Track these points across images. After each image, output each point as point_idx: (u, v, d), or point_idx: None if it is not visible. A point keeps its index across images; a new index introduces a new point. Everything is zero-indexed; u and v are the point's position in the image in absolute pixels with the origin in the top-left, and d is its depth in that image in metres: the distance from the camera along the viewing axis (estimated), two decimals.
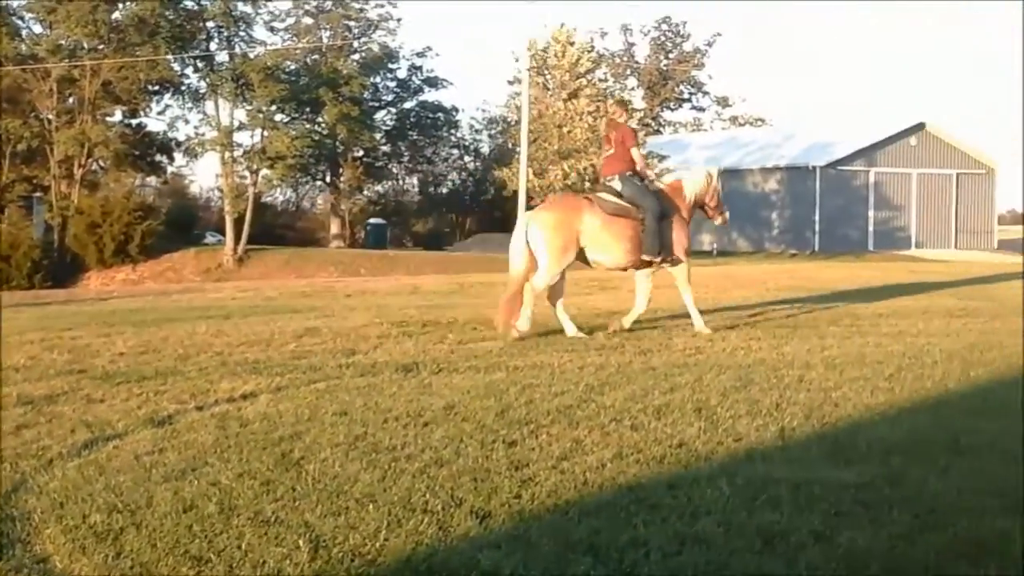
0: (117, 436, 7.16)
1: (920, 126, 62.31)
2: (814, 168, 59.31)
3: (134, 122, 57.03)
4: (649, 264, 13.05)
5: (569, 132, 49.72)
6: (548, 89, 52.52)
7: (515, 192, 49.85)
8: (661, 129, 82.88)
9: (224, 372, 9.78)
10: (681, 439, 6.75)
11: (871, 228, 60.25)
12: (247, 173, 52.52)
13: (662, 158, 54.59)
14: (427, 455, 6.45)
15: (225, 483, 5.91)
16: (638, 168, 13.33)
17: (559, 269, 12.85)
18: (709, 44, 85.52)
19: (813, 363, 9.77)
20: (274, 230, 60.04)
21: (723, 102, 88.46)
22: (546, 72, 52.74)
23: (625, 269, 13.39)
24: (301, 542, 4.90)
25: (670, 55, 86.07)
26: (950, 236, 61.91)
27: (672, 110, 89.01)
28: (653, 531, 4.97)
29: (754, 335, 11.94)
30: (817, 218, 58.96)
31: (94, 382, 9.31)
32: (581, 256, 12.97)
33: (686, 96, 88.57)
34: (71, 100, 52.25)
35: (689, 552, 4.71)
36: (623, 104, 14.27)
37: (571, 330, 12.45)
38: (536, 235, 12.77)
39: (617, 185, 13.05)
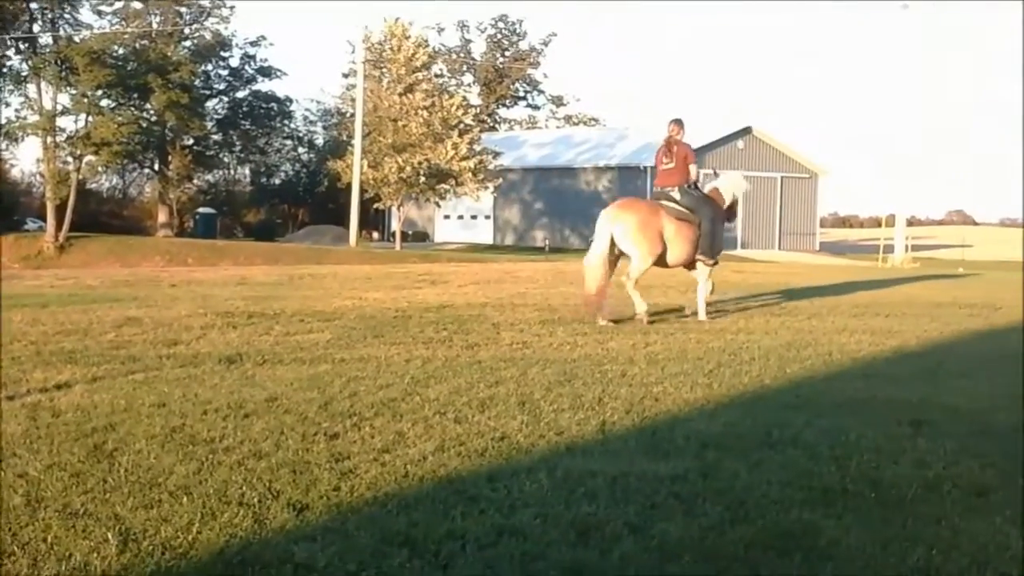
0: None
1: (747, 130, 63.99)
2: (645, 168, 60.31)
3: None
4: (696, 263, 14.65)
5: (404, 126, 49.58)
6: (383, 83, 52.29)
7: (349, 184, 49.53)
8: (497, 126, 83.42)
9: (38, 362, 9.46)
10: (504, 432, 6.78)
11: None
12: (70, 159, 50.90)
13: (496, 155, 54.88)
14: (246, 447, 6.35)
15: (33, 475, 5.71)
16: (691, 179, 15.13)
17: (651, 263, 14.19)
18: (545, 43, 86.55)
19: (636, 359, 9.93)
20: (99, 217, 58.44)
21: (558, 101, 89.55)
22: (382, 66, 52.50)
23: (678, 267, 14.89)
24: (110, 535, 4.76)
25: (506, 53, 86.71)
26: (775, 237, 63.78)
27: (508, 107, 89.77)
28: (471, 523, 4.98)
29: (580, 331, 12.07)
30: None
31: None
32: None
33: (522, 94, 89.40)
34: None
35: (505, 544, 4.73)
36: (680, 123, 15.65)
37: (641, 307, 13.73)
38: (626, 234, 14.14)
39: (676, 195, 14.78)
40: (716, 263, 14.96)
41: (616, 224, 14.30)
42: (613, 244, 14.09)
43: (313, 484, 5.59)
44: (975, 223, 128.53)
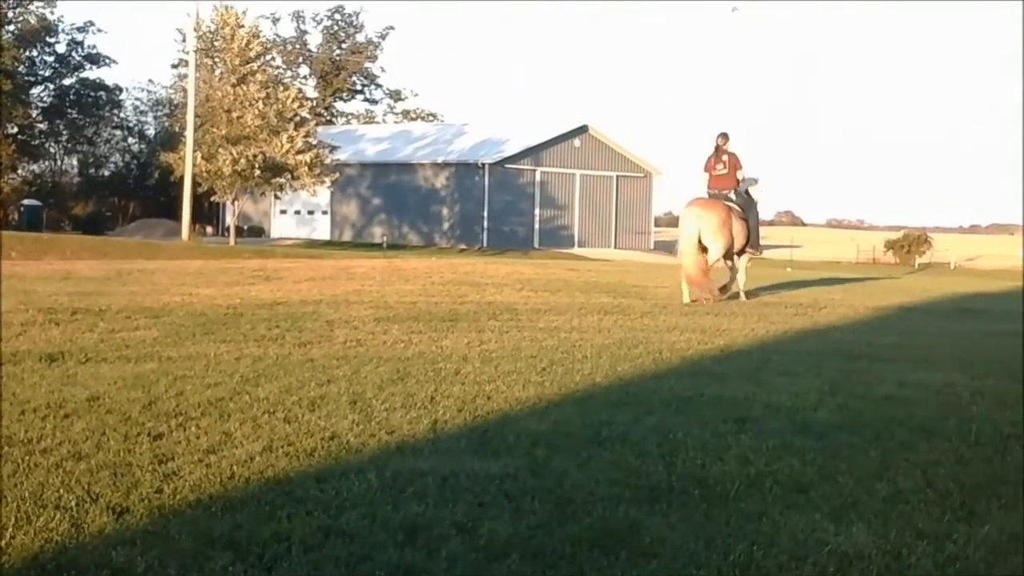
0: None
1: (583, 128, 64.84)
2: (483, 165, 60.63)
3: None
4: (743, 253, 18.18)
5: (239, 117, 48.77)
6: (216, 73, 51.34)
7: (182, 177, 48.50)
8: (334, 120, 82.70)
9: None
10: (334, 431, 6.71)
11: (537, 226, 62.23)
12: None
13: (333, 149, 54.42)
14: (65, 448, 6.15)
15: None
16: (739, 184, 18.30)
17: (724, 251, 17.55)
18: (382, 36, 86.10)
19: (470, 357, 9.94)
20: None
21: (396, 95, 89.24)
22: (214, 55, 51.55)
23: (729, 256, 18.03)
24: None
25: (343, 45, 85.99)
26: (611, 236, 64.74)
27: (345, 101, 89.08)
28: (297, 525, 4.91)
29: (415, 328, 12.03)
30: (486, 214, 60.31)
31: None
32: None
33: (359, 88, 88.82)
34: None
35: (332, 545, 4.68)
36: (727, 136, 18.49)
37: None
38: (709, 229, 17.21)
39: (732, 196, 18.06)
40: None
41: (703, 221, 17.30)
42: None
43: (134, 486, 5.45)
44: (803, 224, 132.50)
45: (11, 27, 65.00)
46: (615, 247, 63.01)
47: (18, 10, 65.73)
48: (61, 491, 5.33)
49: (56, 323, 11.69)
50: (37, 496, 5.24)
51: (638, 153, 67.56)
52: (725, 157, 18.16)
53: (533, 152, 62.38)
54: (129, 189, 76.58)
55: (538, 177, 62.57)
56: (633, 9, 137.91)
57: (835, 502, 5.50)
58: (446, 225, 63.00)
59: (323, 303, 14.71)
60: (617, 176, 65.63)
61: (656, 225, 71.70)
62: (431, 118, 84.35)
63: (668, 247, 65.65)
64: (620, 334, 11.96)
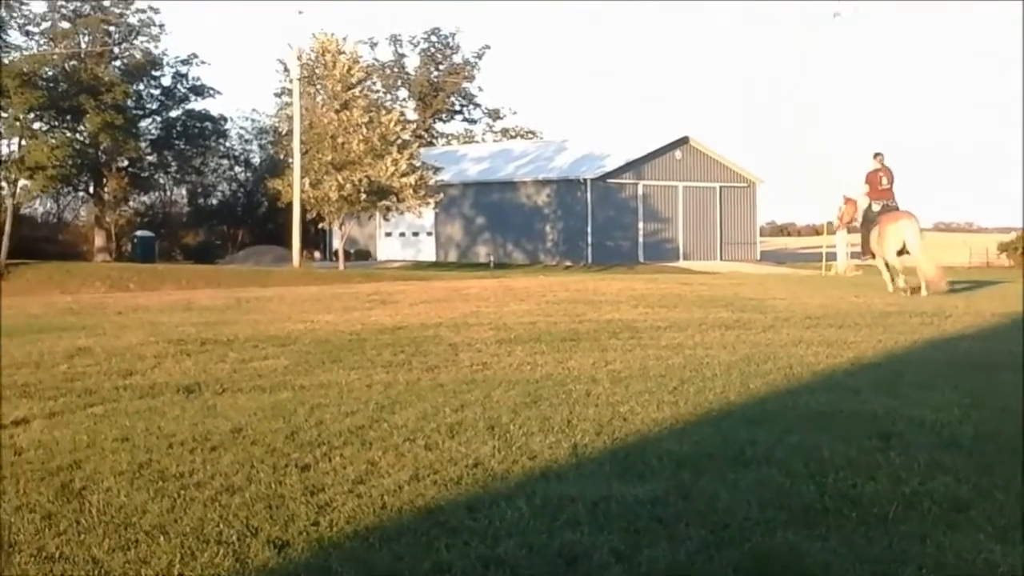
0: None
1: (684, 140, 64.41)
2: (585, 180, 60.57)
3: None
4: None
5: (344, 143, 49.37)
6: (318, 100, 52.03)
7: (289, 204, 49.23)
8: (434, 141, 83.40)
9: None
10: (476, 458, 6.74)
11: (641, 240, 61.93)
12: (4, 184, 50.13)
13: (436, 170, 54.85)
14: (217, 482, 6.26)
15: (3, 517, 5.59)
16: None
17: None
18: (479, 56, 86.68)
19: (599, 377, 9.91)
20: (34, 243, 57.43)
21: (494, 114, 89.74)
22: (316, 82, 52.28)
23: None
24: None
25: (440, 66, 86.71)
26: (715, 248, 64.20)
27: (444, 122, 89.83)
28: (456, 555, 4.93)
29: (538, 349, 12.04)
30: (589, 230, 60.22)
31: None
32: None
33: (458, 108, 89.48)
34: None
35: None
36: (882, 154, 22.54)
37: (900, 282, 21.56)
38: (915, 233, 21.41)
39: (895, 205, 22.14)
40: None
41: (909, 228, 21.35)
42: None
43: (291, 519, 5.52)
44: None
45: (117, 63, 66.59)
46: (721, 259, 62.47)
47: (124, 45, 67.33)
48: (221, 526, 5.42)
49: (187, 354, 11.92)
50: (198, 531, 5.34)
51: (740, 163, 66.95)
52: (887, 174, 22.27)
53: (634, 166, 62.16)
54: (237, 217, 77.90)
55: (640, 191, 62.33)
56: (730, 18, 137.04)
57: (998, 522, 5.37)
58: (550, 242, 63.05)
59: (443, 326, 14.79)
60: (720, 187, 65.08)
61: (760, 235, 71.00)
62: (530, 135, 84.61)
63: (775, 257, 65.01)
64: (746, 350, 11.83)
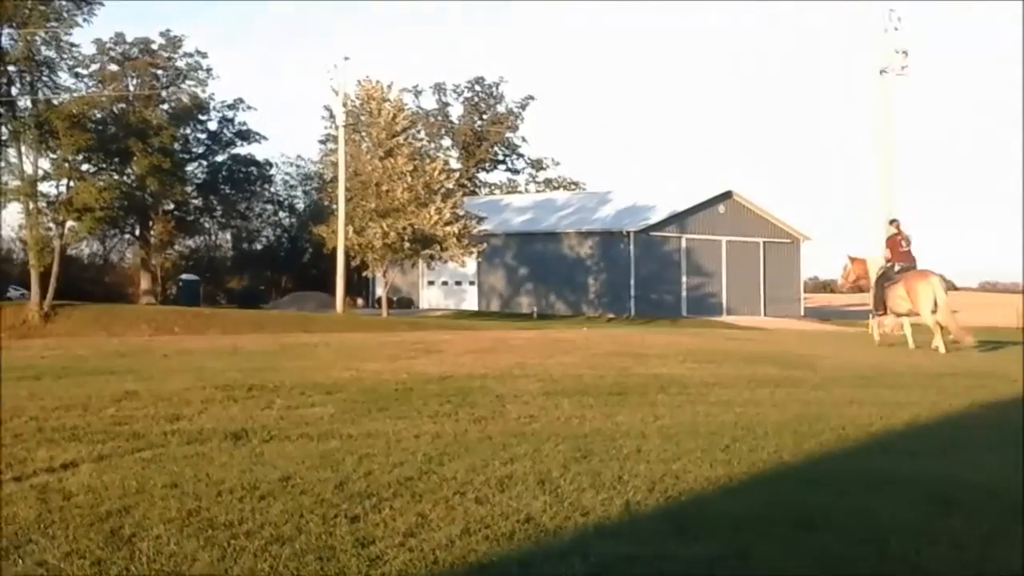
0: None
1: (728, 194, 64.32)
2: (628, 233, 60.50)
3: None
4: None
5: (388, 191, 49.59)
6: (363, 147, 52.32)
7: (333, 250, 49.44)
8: (477, 190, 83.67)
9: (41, 439, 9.26)
10: (528, 513, 6.63)
11: (684, 293, 61.70)
12: (52, 225, 50.63)
13: (480, 219, 55.00)
14: (267, 531, 6.19)
15: (52, 563, 5.55)
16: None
17: None
18: (522, 106, 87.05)
19: (648, 433, 9.79)
20: (81, 284, 58.08)
21: (537, 165, 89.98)
22: (361, 129, 52.60)
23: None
24: None
25: (484, 116, 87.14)
26: (759, 303, 63.87)
27: (487, 171, 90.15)
28: None
29: (585, 402, 11.93)
30: (632, 283, 60.06)
31: None
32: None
33: (501, 158, 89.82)
34: None
35: None
36: (897, 221, 25.01)
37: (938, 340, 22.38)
38: (942, 292, 22.90)
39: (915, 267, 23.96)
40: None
41: (938, 286, 22.94)
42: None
43: (342, 572, 5.45)
44: (955, 288, 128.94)
45: (165, 106, 67.36)
46: (765, 314, 62.13)
47: (171, 89, 68.18)
48: None
49: (234, 400, 11.90)
50: None
51: (784, 218, 66.74)
52: (899, 237, 24.19)
53: (678, 219, 62.10)
54: (281, 262, 78.38)
55: (684, 244, 62.21)
56: (774, 75, 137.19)
57: None
58: (592, 294, 62.95)
59: (489, 376, 14.72)
60: (764, 242, 64.87)
61: (804, 291, 70.62)
62: (573, 186, 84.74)
63: (819, 314, 64.55)
64: (797, 408, 11.66)
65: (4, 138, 51.40)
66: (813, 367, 16.88)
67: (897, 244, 24.22)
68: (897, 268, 24.03)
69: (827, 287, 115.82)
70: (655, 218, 61.43)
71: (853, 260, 25.88)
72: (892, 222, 25.25)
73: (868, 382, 14.62)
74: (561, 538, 6.14)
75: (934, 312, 22.75)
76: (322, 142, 68.05)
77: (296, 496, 7.06)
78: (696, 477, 7.79)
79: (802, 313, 64.50)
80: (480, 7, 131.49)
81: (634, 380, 14.56)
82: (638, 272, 60.33)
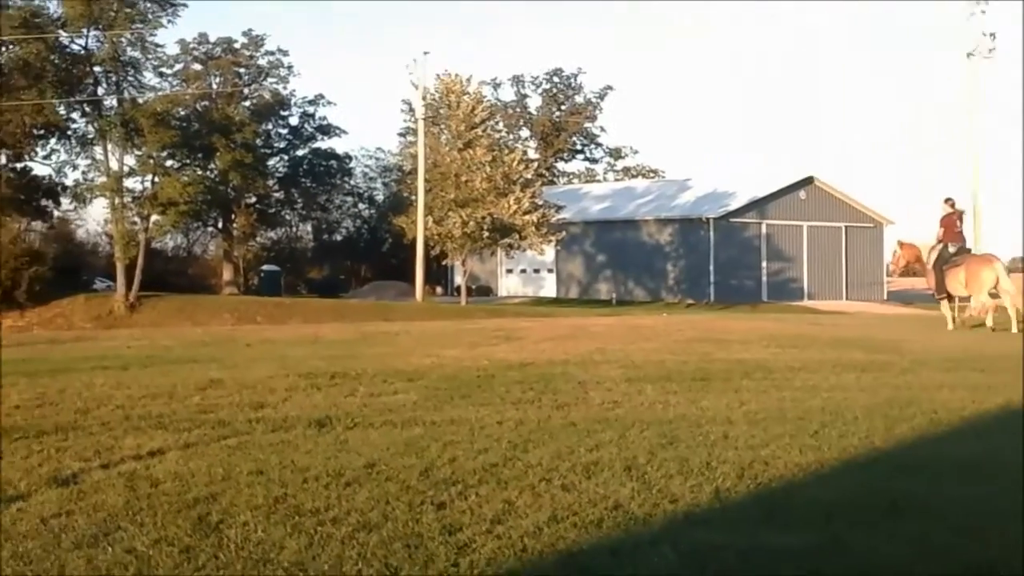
0: (20, 497, 6.75)
1: (809, 180, 63.54)
2: (708, 219, 60.03)
3: (18, 166, 55.70)
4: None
5: (467, 181, 49.73)
6: (442, 139, 52.49)
7: (414, 240, 49.69)
8: (555, 180, 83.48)
9: (128, 427, 9.35)
10: (616, 500, 6.54)
11: (764, 278, 61.11)
12: (137, 219, 51.44)
13: (559, 208, 54.91)
14: (353, 518, 6.16)
15: (141, 550, 5.56)
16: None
17: None
18: (600, 96, 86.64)
19: (735, 419, 9.64)
20: (165, 276, 58.94)
21: (616, 154, 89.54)
22: (441, 122, 52.75)
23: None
24: None
25: (562, 107, 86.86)
26: (841, 287, 63.06)
27: (566, 161, 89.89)
28: None
29: (670, 388, 11.78)
30: (712, 268, 59.61)
31: None
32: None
33: (579, 147, 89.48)
34: None
35: None
36: (952, 199, 24.52)
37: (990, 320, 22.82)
38: (1005, 274, 23.30)
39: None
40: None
41: (1002, 269, 23.38)
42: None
43: (431, 559, 5.39)
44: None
45: (247, 103, 68.11)
46: (847, 299, 61.31)
47: (253, 87, 68.92)
48: (359, 564, 5.32)
49: (317, 387, 11.94)
50: (336, 570, 5.25)
51: (867, 203, 65.77)
52: (955, 216, 24.13)
53: (758, 205, 61.48)
54: (360, 252, 78.90)
55: (764, 230, 61.58)
56: (857, 57, 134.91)
57: None
58: (671, 280, 62.57)
59: (570, 363, 14.63)
60: (846, 227, 64.01)
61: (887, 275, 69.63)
62: (652, 175, 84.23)
63: (901, 297, 63.52)
64: (886, 393, 11.42)
65: (91, 136, 52.36)
66: (899, 351, 16.56)
67: (952, 223, 24.12)
68: (952, 249, 24.05)
69: (911, 271, 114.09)
70: (735, 204, 60.88)
71: (903, 245, 25.90)
72: (947, 200, 24.48)
73: (956, 365, 14.31)
74: (651, 526, 6.04)
75: (995, 297, 23.14)
76: (401, 135, 68.29)
77: (381, 483, 7.03)
78: (786, 463, 7.64)
79: (885, 297, 63.53)
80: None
81: (717, 366, 14.38)
82: (717, 258, 59.85)
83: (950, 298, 24.28)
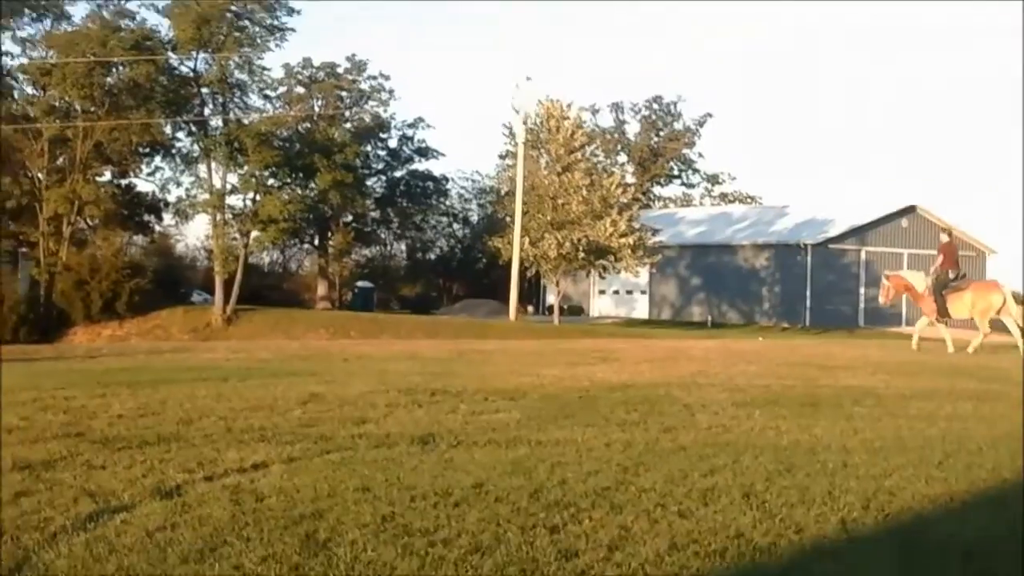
0: (124, 508, 6.64)
1: (911, 208, 62.47)
2: (806, 245, 59.25)
3: (123, 182, 56.77)
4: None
5: (564, 204, 49.65)
6: (541, 162, 52.50)
7: (510, 260, 49.63)
8: (651, 204, 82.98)
9: (230, 439, 9.24)
10: (737, 528, 6.24)
11: (862, 305, 60.09)
12: (238, 235, 52.09)
13: (655, 231, 54.55)
14: (464, 540, 5.93)
15: (249, 567, 5.39)
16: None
17: None
18: (700, 124, 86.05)
19: (851, 447, 9.26)
20: (260, 291, 59.59)
21: (713, 179, 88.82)
22: (539, 146, 52.76)
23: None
24: None
25: (660, 133, 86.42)
26: None
27: (662, 186, 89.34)
28: None
29: (779, 413, 11.42)
30: (808, 293, 58.76)
31: (93, 446, 8.78)
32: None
33: (676, 173, 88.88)
34: (62, 160, 51.88)
35: None
36: (951, 229, 27.75)
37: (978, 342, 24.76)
38: (1012, 299, 25.04)
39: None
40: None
41: (1009, 293, 25.19)
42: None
43: None
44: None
45: (348, 125, 68.75)
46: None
47: (354, 109, 69.54)
48: None
49: (419, 404, 11.77)
50: None
51: (970, 231, 64.35)
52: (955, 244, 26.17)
53: (858, 232, 60.53)
54: (453, 271, 79.11)
55: (863, 256, 60.56)
56: (960, 88, 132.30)
57: None
58: (766, 304, 61.76)
59: (672, 385, 14.31)
60: None
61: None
62: (750, 200, 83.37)
63: (998, 326, 61.90)
64: (1007, 424, 10.95)
65: (195, 155, 53.24)
66: (1013, 381, 15.98)
67: (953, 251, 25.81)
68: (952, 275, 25.49)
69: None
70: (834, 231, 60.01)
71: (890, 277, 27.30)
72: (945, 231, 27.48)
73: None
74: (777, 556, 5.74)
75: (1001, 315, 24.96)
76: (502, 157, 68.31)
77: (491, 504, 6.81)
78: (913, 495, 7.27)
79: (988, 329, 62.00)
80: (660, 25, 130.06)
81: (825, 391, 13.97)
82: (814, 283, 58.96)
83: (946, 320, 25.69)
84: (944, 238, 26.33)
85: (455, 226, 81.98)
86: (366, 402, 11.89)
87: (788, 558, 5.69)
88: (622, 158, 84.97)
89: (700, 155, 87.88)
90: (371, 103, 69.38)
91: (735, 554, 5.76)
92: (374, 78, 68.89)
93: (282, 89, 65.75)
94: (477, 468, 7.99)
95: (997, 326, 26.29)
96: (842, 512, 6.70)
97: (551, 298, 57.39)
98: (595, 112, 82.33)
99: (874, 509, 6.82)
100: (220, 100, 51.87)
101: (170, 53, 51.06)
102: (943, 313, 25.52)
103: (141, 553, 5.63)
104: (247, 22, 50.43)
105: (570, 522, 6.38)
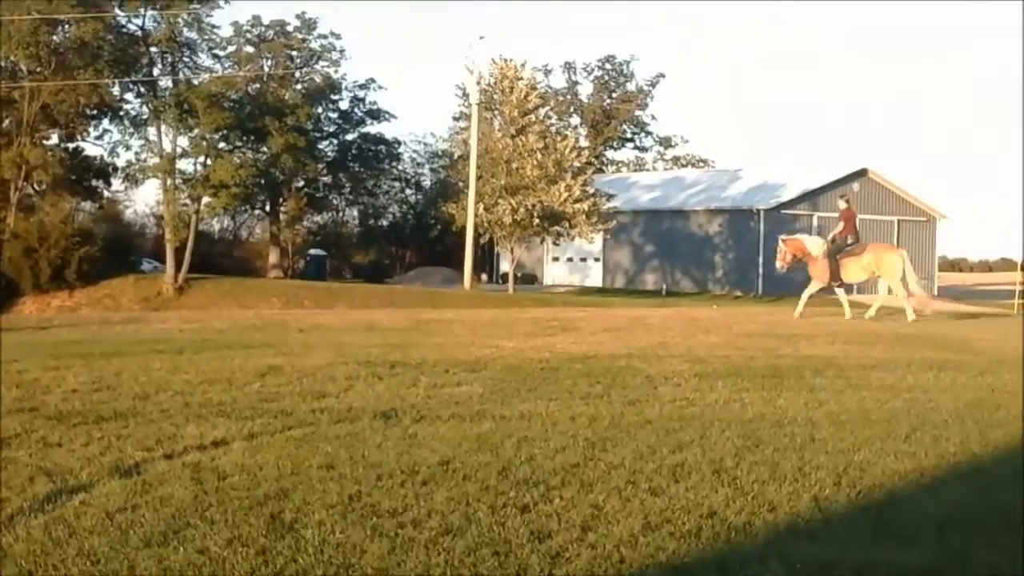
0: (82, 488, 6.47)
1: (863, 172, 62.67)
2: (758, 211, 59.31)
3: (71, 146, 55.78)
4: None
5: (519, 168, 49.31)
6: (495, 125, 52.11)
7: (464, 227, 49.35)
8: (604, 168, 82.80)
9: (188, 414, 9.06)
10: (710, 507, 6.17)
11: None
12: (188, 201, 51.36)
13: (610, 197, 54.39)
14: (435, 521, 5.82)
15: (215, 551, 5.25)
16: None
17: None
18: (652, 84, 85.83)
19: (817, 420, 9.23)
20: (211, 259, 58.81)
21: (666, 143, 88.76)
22: (493, 108, 52.35)
23: None
24: None
25: (613, 95, 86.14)
26: None
27: (615, 149, 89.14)
28: None
29: (742, 386, 11.37)
30: (761, 260, 58.89)
31: (48, 423, 8.58)
32: None
33: (629, 136, 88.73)
34: (7, 122, 50.89)
35: None
36: (848, 196, 28.38)
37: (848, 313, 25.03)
38: (909, 264, 25.46)
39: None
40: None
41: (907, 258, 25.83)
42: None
43: (523, 570, 5.04)
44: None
45: (299, 86, 67.98)
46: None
47: (305, 70, 68.73)
48: (447, 572, 4.99)
49: (378, 377, 11.61)
50: None
51: (920, 196, 64.83)
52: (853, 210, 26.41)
53: (810, 196, 60.65)
54: (406, 238, 78.66)
55: (816, 222, 60.74)
56: (911, 49, 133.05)
57: None
58: (720, 271, 61.91)
59: (633, 356, 14.23)
60: (898, 220, 63.07)
61: (938, 270, 68.61)
62: (702, 164, 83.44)
63: (951, 293, 62.57)
64: (970, 395, 10.97)
65: (145, 117, 52.33)
66: (971, 350, 16.06)
67: (852, 217, 26.02)
68: (850, 240, 25.78)
69: (956, 266, 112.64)
70: (786, 196, 60.09)
71: (786, 241, 27.43)
72: (843, 196, 28.09)
73: None
74: (752, 536, 5.67)
75: (903, 280, 25.17)
76: (455, 119, 67.87)
77: (459, 482, 6.69)
78: (883, 470, 7.24)
79: (936, 293, 62.57)
80: None
81: (786, 362, 13.95)
82: (767, 249, 59.13)
83: (841, 285, 25.93)
84: (842, 204, 26.79)
85: (408, 191, 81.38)
86: (325, 375, 11.72)
87: (763, 538, 5.63)
88: (575, 120, 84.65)
89: (653, 117, 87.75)
90: (322, 63, 68.61)
91: (711, 534, 5.68)
92: (324, 37, 68.12)
93: (231, 48, 64.84)
94: (442, 444, 7.87)
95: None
96: (814, 489, 6.65)
97: (505, 266, 57.19)
98: (548, 73, 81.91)
99: (845, 485, 6.77)
100: (169, 59, 50.96)
101: (117, 10, 50.06)
102: (835, 278, 25.77)
103: (102, 536, 5.48)
104: None
105: (540, 501, 6.28)
